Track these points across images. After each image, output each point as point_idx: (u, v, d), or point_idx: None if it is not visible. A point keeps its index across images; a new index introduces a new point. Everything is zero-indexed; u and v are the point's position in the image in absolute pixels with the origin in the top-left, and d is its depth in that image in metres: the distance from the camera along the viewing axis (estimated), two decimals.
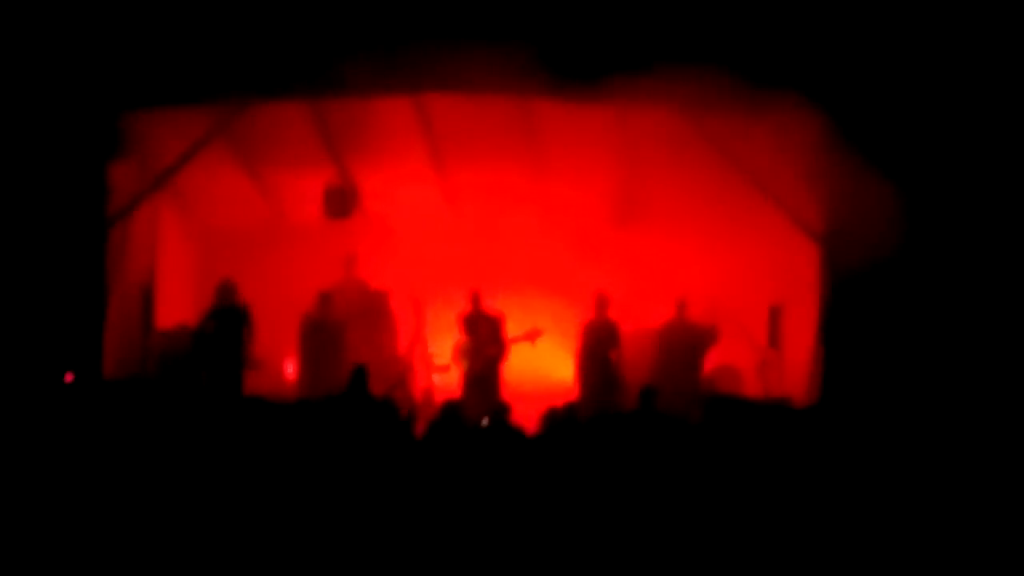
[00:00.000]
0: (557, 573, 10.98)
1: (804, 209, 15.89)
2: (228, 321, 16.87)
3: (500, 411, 13.62)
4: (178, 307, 18.16)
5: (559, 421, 13.45)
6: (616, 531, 11.24)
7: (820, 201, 15.61)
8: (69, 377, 13.79)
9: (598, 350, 17.89)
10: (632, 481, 11.80)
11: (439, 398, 15.91)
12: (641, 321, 18.71)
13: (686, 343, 18.03)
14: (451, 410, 13.58)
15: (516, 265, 19.60)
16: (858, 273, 14.90)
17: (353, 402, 14.00)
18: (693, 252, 18.53)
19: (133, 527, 11.09)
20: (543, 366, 18.81)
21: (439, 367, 18.57)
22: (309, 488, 11.64)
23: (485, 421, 13.45)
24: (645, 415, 13.76)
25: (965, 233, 14.95)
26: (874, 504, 11.65)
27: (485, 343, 17.70)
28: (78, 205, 15.12)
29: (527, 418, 13.83)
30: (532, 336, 18.12)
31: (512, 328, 17.98)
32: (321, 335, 18.18)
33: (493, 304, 18.11)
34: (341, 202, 18.31)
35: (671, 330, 18.09)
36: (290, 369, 18.57)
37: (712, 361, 18.28)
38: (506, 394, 17.20)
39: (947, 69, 14.89)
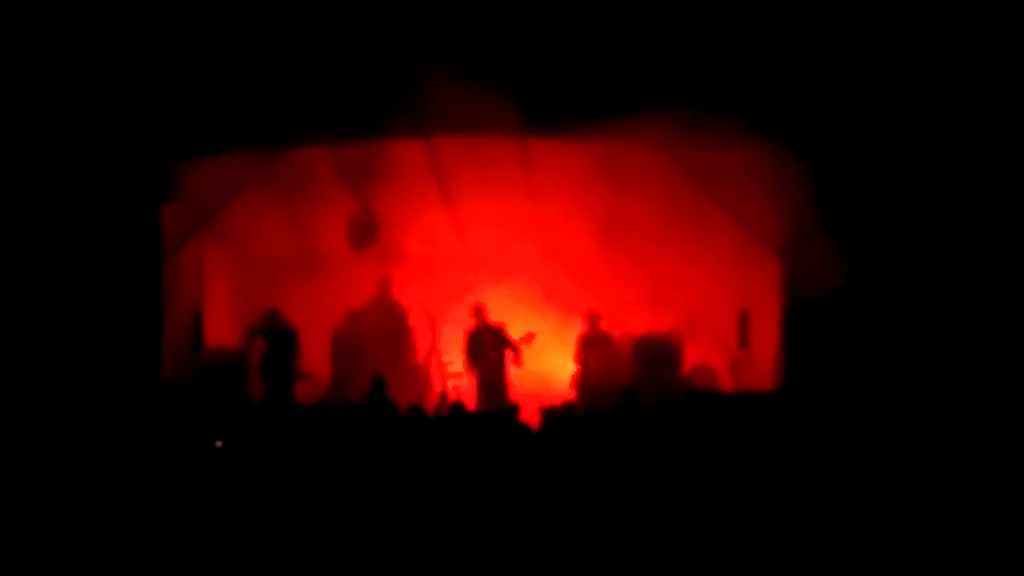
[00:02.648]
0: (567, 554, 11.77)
1: (765, 226, 16.53)
2: (276, 341, 18.19)
3: (509, 410, 14.77)
4: (224, 328, 19.12)
5: (558, 418, 14.49)
6: (611, 513, 12.06)
7: (778, 218, 16.12)
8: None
9: (589, 359, 19.20)
10: (623, 466, 12.61)
11: (454, 401, 16.34)
12: (623, 330, 19.65)
13: (658, 350, 18.85)
14: (459, 410, 14.68)
15: (517, 285, 20.72)
16: (814, 280, 15.19)
17: (373, 408, 15.00)
18: (671, 268, 19.40)
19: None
20: (547, 372, 19.85)
21: (453, 374, 19.65)
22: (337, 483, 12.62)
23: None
24: (630, 410, 14.74)
25: (908, 247, 15.41)
26: (833, 478, 12.56)
27: (490, 350, 18.85)
28: (137, 242, 15.79)
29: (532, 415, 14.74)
30: (528, 339, 19.21)
31: (511, 334, 19.20)
32: (350, 348, 19.18)
33: (495, 318, 19.28)
34: (363, 233, 19.26)
35: (643, 341, 19.11)
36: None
37: (690, 362, 19.14)
38: (514, 396, 18.36)
39: (881, 96, 15.37)
